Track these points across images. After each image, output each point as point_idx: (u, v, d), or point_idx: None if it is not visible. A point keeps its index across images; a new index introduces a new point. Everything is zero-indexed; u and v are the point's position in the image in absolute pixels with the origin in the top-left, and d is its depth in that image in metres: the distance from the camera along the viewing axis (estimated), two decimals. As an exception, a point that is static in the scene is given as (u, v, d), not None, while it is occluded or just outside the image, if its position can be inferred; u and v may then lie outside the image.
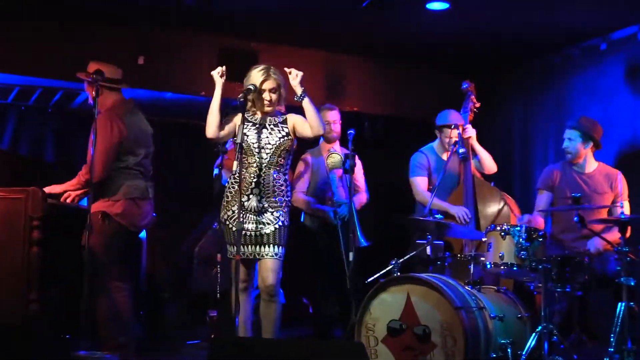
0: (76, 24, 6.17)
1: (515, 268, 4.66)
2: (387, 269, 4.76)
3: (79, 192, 4.79)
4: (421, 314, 4.42)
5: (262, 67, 4.55)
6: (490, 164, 5.73)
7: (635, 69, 6.20)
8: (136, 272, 5.60)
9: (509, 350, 4.46)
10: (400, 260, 4.76)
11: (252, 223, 4.46)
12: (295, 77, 4.47)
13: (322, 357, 3.57)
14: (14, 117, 6.88)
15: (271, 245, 4.44)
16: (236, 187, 4.46)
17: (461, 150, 5.46)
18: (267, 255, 4.45)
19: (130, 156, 4.79)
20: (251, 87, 4.48)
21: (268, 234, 4.45)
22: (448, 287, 4.44)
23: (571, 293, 4.69)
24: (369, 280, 4.82)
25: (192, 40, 6.61)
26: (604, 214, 5.15)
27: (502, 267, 4.69)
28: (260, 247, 4.46)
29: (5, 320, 4.44)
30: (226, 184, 4.66)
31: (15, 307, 4.48)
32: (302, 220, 5.81)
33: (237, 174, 4.38)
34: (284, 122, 4.57)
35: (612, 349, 4.33)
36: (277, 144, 4.50)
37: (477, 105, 5.82)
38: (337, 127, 5.84)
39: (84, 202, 4.82)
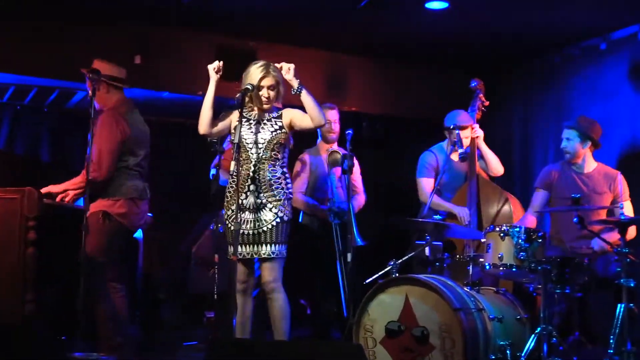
0: (73, 23, 6.15)
1: (514, 269, 4.64)
2: (386, 269, 4.74)
3: (79, 191, 4.77)
4: (420, 315, 4.40)
5: (261, 63, 4.52)
6: (496, 166, 5.70)
7: (636, 69, 6.19)
8: (133, 272, 5.58)
9: (508, 351, 4.44)
10: (399, 261, 4.73)
11: (250, 222, 4.43)
12: (287, 71, 4.44)
13: (320, 359, 3.54)
14: (10, 116, 6.87)
15: (269, 245, 4.42)
16: (234, 185, 4.43)
17: (460, 151, 5.44)
18: (264, 254, 4.43)
19: (131, 156, 4.80)
20: (249, 86, 4.46)
21: (266, 232, 4.42)
22: (447, 288, 4.41)
23: (571, 294, 4.66)
24: (368, 281, 4.80)
25: (189, 40, 6.60)
26: (603, 215, 5.13)
27: (501, 268, 4.67)
28: (258, 246, 4.44)
29: (1, 321, 4.43)
30: (226, 184, 4.63)
31: (11, 307, 4.46)
32: (300, 220, 5.78)
33: (235, 173, 4.36)
34: (279, 116, 4.54)
35: (611, 351, 4.31)
36: (269, 138, 4.47)
37: (486, 103, 5.79)
38: (336, 127, 5.82)
39: (80, 203, 4.80)
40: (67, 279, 4.81)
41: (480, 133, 5.65)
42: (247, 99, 4.52)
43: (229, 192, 4.48)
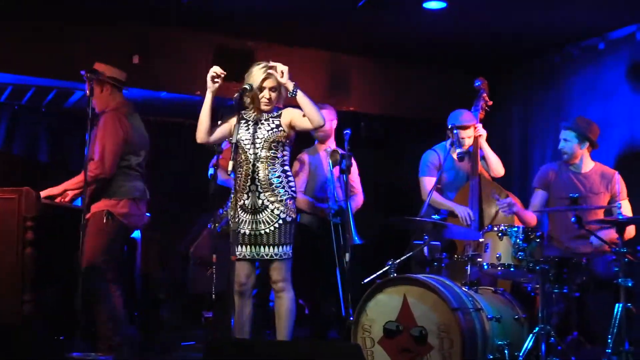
0: (71, 23, 6.15)
1: (512, 269, 4.63)
2: (384, 269, 4.73)
3: (78, 191, 4.77)
4: (418, 315, 4.39)
5: (263, 64, 4.49)
6: (497, 167, 5.70)
7: (634, 69, 6.19)
8: (131, 272, 5.58)
9: (506, 351, 4.43)
10: (397, 261, 4.72)
11: (251, 223, 4.41)
12: (281, 74, 4.37)
13: (318, 359, 3.54)
14: (7, 116, 6.86)
15: (273, 246, 4.39)
16: (236, 187, 4.42)
17: (458, 150, 5.44)
18: (266, 255, 4.40)
19: (133, 156, 4.84)
20: (247, 86, 4.44)
21: (268, 234, 4.40)
22: (445, 288, 4.41)
23: (569, 294, 4.66)
24: (366, 281, 4.79)
25: (188, 39, 6.59)
26: (600, 215, 5.13)
27: (499, 268, 4.67)
28: (259, 247, 4.41)
29: (0, 321, 4.41)
30: (224, 184, 4.62)
31: (9, 308, 4.46)
32: (298, 219, 5.77)
33: (233, 173, 4.35)
34: (278, 116, 4.51)
35: (609, 350, 4.30)
36: (266, 137, 4.43)
37: (490, 103, 5.79)
38: (326, 126, 5.80)
39: (78, 202, 4.80)
40: (65, 279, 4.81)
41: (483, 132, 5.66)
42: (246, 100, 4.51)
43: (233, 192, 4.46)
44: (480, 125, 5.64)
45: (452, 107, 5.78)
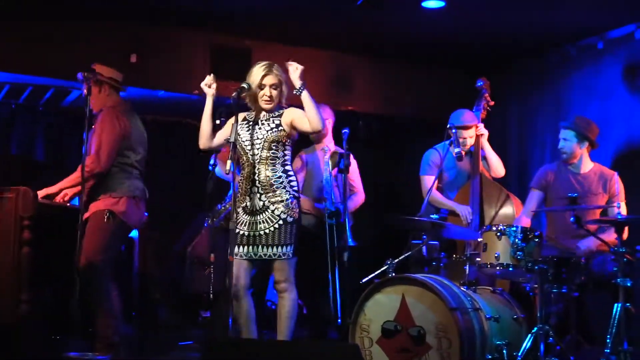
0: (68, 22, 6.13)
1: (511, 268, 4.62)
2: (382, 269, 4.72)
3: (76, 189, 4.76)
4: (416, 314, 4.38)
5: (264, 63, 4.45)
6: (497, 168, 5.69)
7: (633, 68, 6.18)
8: (128, 272, 5.57)
9: (504, 351, 4.42)
10: (395, 261, 4.71)
11: (250, 224, 4.37)
12: (295, 69, 4.32)
13: (316, 359, 3.53)
14: (4, 115, 6.83)
15: (272, 247, 4.35)
16: (237, 187, 4.40)
17: (456, 150, 5.43)
18: (265, 255, 4.37)
19: (132, 153, 4.83)
20: (245, 85, 4.40)
21: (267, 235, 4.36)
22: (443, 287, 4.40)
23: (567, 294, 4.65)
24: (364, 280, 4.78)
25: (185, 38, 6.57)
26: (597, 215, 5.12)
27: (497, 268, 4.65)
28: (257, 247, 4.38)
29: (-4, 320, 4.40)
30: (222, 177, 4.60)
31: (6, 307, 4.45)
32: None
33: (232, 173, 4.32)
34: (279, 115, 4.46)
35: (608, 350, 4.29)
36: (265, 137, 4.39)
37: (492, 103, 5.79)
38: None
39: (76, 202, 4.78)
40: (63, 278, 4.80)
41: (484, 132, 5.65)
42: (246, 100, 4.48)
43: (236, 195, 4.43)
44: (482, 125, 5.64)
45: (451, 107, 5.78)
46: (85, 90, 4.71)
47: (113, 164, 4.74)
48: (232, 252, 4.24)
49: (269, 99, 4.41)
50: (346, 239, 5.14)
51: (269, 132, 4.40)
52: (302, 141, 5.59)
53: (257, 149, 4.39)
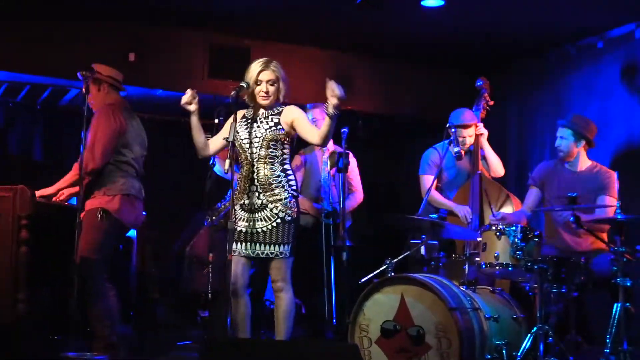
0: (67, 21, 6.12)
1: (510, 268, 4.61)
2: (381, 269, 4.71)
3: (73, 189, 4.74)
4: (415, 314, 4.37)
5: (262, 59, 4.44)
6: (497, 167, 5.69)
7: (632, 67, 6.17)
8: (126, 271, 5.55)
9: (504, 351, 4.42)
10: (394, 260, 4.70)
11: (249, 221, 4.36)
12: (332, 92, 4.16)
13: (315, 359, 3.52)
14: (2, 113, 6.81)
15: (269, 245, 4.33)
16: (235, 185, 4.38)
17: (455, 149, 5.42)
18: (262, 254, 4.35)
19: (128, 151, 4.79)
20: (244, 84, 4.38)
21: (265, 233, 4.34)
22: (443, 287, 4.39)
23: (567, 294, 4.64)
24: (363, 280, 4.77)
25: (184, 38, 6.56)
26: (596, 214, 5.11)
27: (497, 267, 4.64)
28: (255, 245, 4.36)
29: (-6, 320, 4.39)
30: (222, 174, 4.58)
31: (3, 307, 4.44)
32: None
33: (230, 172, 4.30)
34: (278, 113, 4.43)
35: (608, 350, 4.29)
36: (264, 135, 4.37)
37: (491, 103, 5.78)
38: (321, 124, 5.78)
39: (74, 201, 4.76)
40: (61, 278, 4.78)
41: (484, 132, 5.65)
42: (245, 98, 4.46)
43: (235, 191, 4.41)
44: (481, 125, 5.64)
45: (451, 106, 5.77)
46: (84, 89, 4.68)
47: (109, 161, 4.71)
48: (230, 250, 4.23)
49: (265, 94, 4.37)
50: (344, 238, 5.12)
51: (267, 130, 4.38)
52: (300, 141, 5.58)
53: (256, 147, 4.37)
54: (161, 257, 6.46)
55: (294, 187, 4.44)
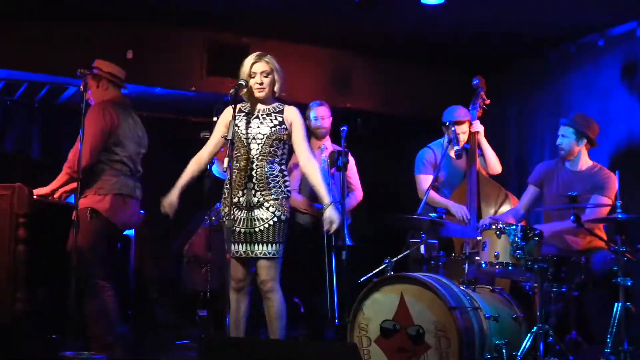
0: (65, 19, 6.10)
1: (510, 267, 4.59)
2: (381, 268, 4.70)
3: (67, 188, 4.71)
4: (415, 314, 4.36)
5: (256, 53, 4.45)
6: (494, 165, 5.69)
7: (633, 65, 6.16)
8: (125, 270, 5.53)
9: (504, 351, 4.40)
10: (394, 260, 4.69)
11: (246, 220, 4.35)
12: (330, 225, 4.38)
13: (314, 358, 3.51)
14: (-1, 111, 6.81)
15: (264, 244, 4.33)
16: (230, 182, 4.36)
17: (456, 148, 5.40)
18: (260, 253, 4.35)
19: (121, 150, 4.74)
20: (242, 82, 4.38)
21: (262, 232, 4.33)
22: (442, 286, 4.37)
23: (567, 293, 4.63)
24: (362, 279, 4.75)
25: (182, 35, 6.54)
26: (595, 213, 5.09)
27: (497, 267, 4.63)
28: (254, 245, 4.35)
29: (-9, 319, 4.37)
30: (221, 176, 4.57)
31: (1, 306, 4.42)
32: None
33: (229, 170, 4.28)
34: (280, 112, 4.43)
35: (608, 350, 4.27)
36: (269, 133, 4.37)
37: (487, 102, 5.78)
38: (325, 123, 5.79)
39: (72, 199, 4.74)
40: (58, 277, 4.76)
41: (480, 128, 5.63)
42: (243, 96, 4.44)
43: (227, 188, 4.39)
44: (477, 122, 5.62)
45: (448, 105, 5.79)
46: (82, 86, 4.65)
47: (100, 159, 4.65)
48: (229, 250, 4.22)
49: (260, 85, 4.37)
50: (344, 237, 5.11)
51: (273, 129, 4.38)
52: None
53: (259, 144, 4.36)
54: (160, 257, 6.45)
55: (288, 187, 4.46)
